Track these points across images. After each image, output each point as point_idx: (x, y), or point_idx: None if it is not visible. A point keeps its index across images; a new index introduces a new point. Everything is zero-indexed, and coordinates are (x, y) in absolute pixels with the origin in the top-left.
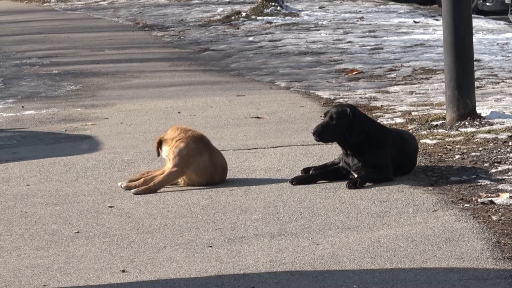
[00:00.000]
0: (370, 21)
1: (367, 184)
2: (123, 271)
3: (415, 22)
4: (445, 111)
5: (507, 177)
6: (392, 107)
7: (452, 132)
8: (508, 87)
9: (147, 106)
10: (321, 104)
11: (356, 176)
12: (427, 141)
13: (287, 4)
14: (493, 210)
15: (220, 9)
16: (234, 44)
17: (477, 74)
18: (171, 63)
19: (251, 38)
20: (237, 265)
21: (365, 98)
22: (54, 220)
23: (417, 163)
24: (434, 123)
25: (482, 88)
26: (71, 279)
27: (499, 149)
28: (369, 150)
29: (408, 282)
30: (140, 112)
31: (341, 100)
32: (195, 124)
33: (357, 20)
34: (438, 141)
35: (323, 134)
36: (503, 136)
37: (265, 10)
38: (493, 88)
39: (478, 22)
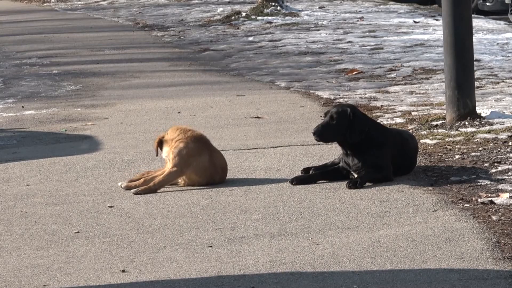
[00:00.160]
0: (370, 21)
1: (367, 184)
2: (123, 271)
3: (415, 22)
4: (445, 111)
5: (507, 177)
6: (392, 107)
7: (452, 132)
8: (508, 87)
9: (147, 106)
10: (321, 104)
11: (356, 176)
12: (427, 141)
13: (287, 4)
14: (493, 210)
15: (220, 9)
16: (234, 44)
17: (477, 74)
18: (171, 63)
19: (251, 38)
20: (237, 265)
21: (365, 98)
22: (54, 220)
23: (417, 163)
24: (434, 123)
25: (482, 88)
26: (71, 279)
27: (499, 149)
28: (369, 150)
29: (408, 282)
30: (140, 112)
31: (341, 100)
32: (195, 124)
33: (357, 20)
34: (438, 141)
35: (323, 134)
36: (503, 136)
37: (265, 10)
38: (493, 88)
39: (478, 22)
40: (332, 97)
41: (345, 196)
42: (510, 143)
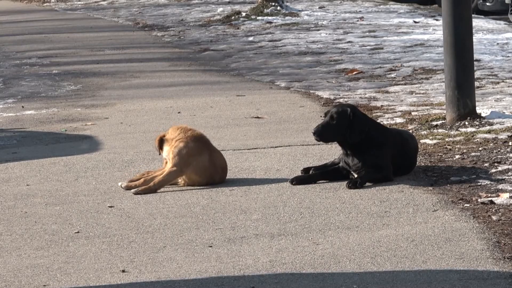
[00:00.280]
0: (370, 21)
1: (367, 184)
2: (123, 271)
3: (415, 22)
4: (445, 111)
5: (507, 177)
6: (392, 107)
7: (452, 132)
8: (508, 87)
9: (147, 106)
10: (321, 104)
11: (356, 176)
12: (427, 141)
13: (287, 4)
14: (493, 210)
15: (220, 9)
16: (234, 44)
17: (477, 74)
18: (171, 63)
19: (251, 38)
20: (237, 265)
21: (365, 98)
22: (54, 220)
23: (417, 163)
24: (434, 123)
25: (482, 88)
26: (71, 279)
27: (499, 149)
28: (369, 150)
29: (408, 282)
30: (140, 112)
31: (341, 100)
32: (195, 124)
33: (357, 20)
34: (438, 141)
35: (323, 134)
36: (503, 136)
37: (265, 10)
38: (493, 88)
39: (478, 22)
40: (332, 97)
41: (345, 196)
42: (510, 143)
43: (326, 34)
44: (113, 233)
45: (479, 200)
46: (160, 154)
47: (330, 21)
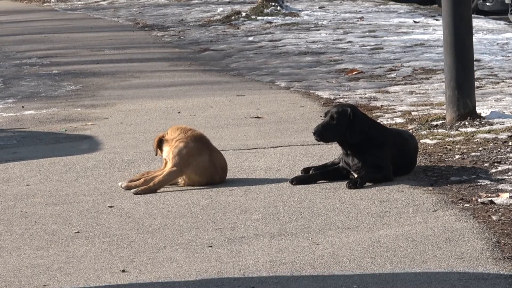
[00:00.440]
0: (370, 21)
1: (367, 184)
2: (123, 271)
3: (415, 22)
4: (445, 111)
5: (507, 177)
6: (392, 107)
7: (452, 132)
8: (508, 87)
9: (147, 106)
10: (321, 104)
11: (356, 176)
12: (427, 141)
13: (287, 4)
14: (493, 210)
15: (220, 9)
16: (234, 44)
17: (477, 74)
18: (171, 63)
19: (251, 38)
20: (237, 265)
21: (365, 98)
22: (54, 220)
23: (417, 163)
24: (434, 123)
25: (482, 88)
26: (71, 279)
27: (499, 149)
28: (369, 150)
29: (408, 282)
30: (140, 112)
31: (341, 100)
32: (195, 124)
33: (357, 20)
34: (438, 141)
35: (323, 134)
36: (503, 136)
37: (265, 10)
38: (493, 88)
39: (478, 22)
40: (332, 97)
41: (345, 196)
42: (510, 143)
43: (326, 34)
44: (113, 233)
45: (479, 200)
46: (157, 155)
47: (330, 21)
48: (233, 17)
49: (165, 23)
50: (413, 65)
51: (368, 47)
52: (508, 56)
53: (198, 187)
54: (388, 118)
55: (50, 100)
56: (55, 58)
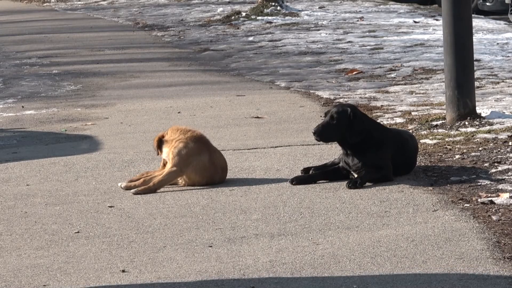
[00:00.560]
0: (370, 21)
1: (367, 184)
2: (123, 271)
3: (415, 22)
4: (445, 111)
5: (507, 177)
6: (392, 107)
7: (452, 132)
8: (508, 87)
9: (147, 106)
10: (321, 104)
11: (356, 176)
12: (427, 141)
13: (287, 4)
14: (493, 210)
15: (220, 9)
16: (234, 44)
17: (477, 74)
18: (171, 63)
19: (251, 38)
20: (237, 265)
21: (365, 98)
22: (54, 220)
23: (417, 163)
24: (434, 123)
25: (482, 88)
26: (71, 279)
27: (499, 149)
28: (369, 150)
29: (408, 282)
30: (140, 112)
31: (341, 100)
32: (195, 124)
33: (357, 20)
34: (438, 141)
35: (323, 133)
36: (503, 136)
37: (265, 10)
38: (493, 88)
39: (478, 22)
40: (332, 97)
41: (345, 196)
42: (510, 143)
43: (326, 34)
44: (113, 233)
45: (479, 200)
46: (158, 154)
47: (330, 21)
48: (233, 17)
49: (165, 23)
50: (413, 65)
51: (368, 47)
52: (508, 56)
53: (198, 187)
54: (388, 118)
55: (50, 100)
56: (55, 58)
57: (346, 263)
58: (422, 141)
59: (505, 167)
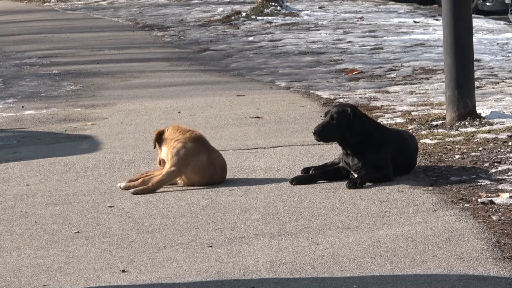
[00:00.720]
0: (370, 21)
1: (367, 184)
2: (123, 271)
3: (415, 22)
4: (445, 111)
5: (507, 177)
6: (392, 107)
7: (452, 132)
8: (508, 87)
9: (147, 106)
10: (321, 104)
11: (356, 176)
12: (427, 141)
13: (287, 4)
14: (493, 210)
15: (220, 9)
16: (234, 44)
17: (477, 74)
18: (171, 63)
19: (251, 38)
20: (237, 265)
21: (365, 98)
22: (54, 220)
23: (417, 163)
24: (434, 123)
25: (482, 88)
26: (71, 279)
27: (499, 149)
28: (369, 150)
29: (408, 282)
30: (140, 112)
31: (341, 100)
32: (195, 124)
33: (357, 20)
34: (438, 141)
35: (323, 133)
36: (503, 136)
37: (265, 10)
38: (493, 88)
39: (478, 22)
40: (332, 97)
41: (345, 196)
42: (510, 143)
43: (326, 34)
44: (113, 233)
45: (479, 200)
46: (155, 147)
47: (330, 21)
48: (233, 17)
49: (165, 23)
50: (413, 65)
51: (368, 47)
52: (508, 56)
53: (198, 187)
54: (388, 118)
55: (50, 100)
56: (55, 58)
57: (346, 263)
58: (422, 141)
59: (505, 167)
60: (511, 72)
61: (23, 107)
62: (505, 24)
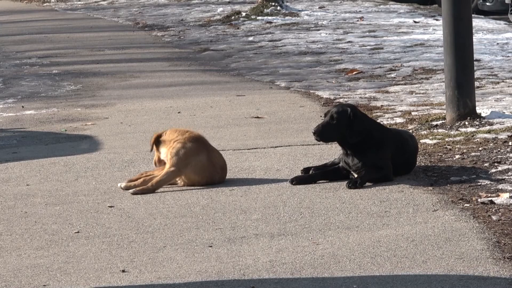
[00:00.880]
0: (370, 21)
1: (367, 184)
2: (123, 271)
3: (415, 22)
4: (445, 111)
5: (507, 177)
6: (392, 107)
7: (452, 132)
8: (508, 87)
9: (147, 106)
10: (321, 104)
11: (356, 176)
12: (427, 141)
13: (287, 4)
14: (493, 210)
15: (220, 9)
16: (234, 44)
17: (477, 74)
18: (171, 63)
19: (251, 38)
20: (237, 265)
21: (365, 98)
22: (54, 220)
23: (417, 163)
24: (434, 123)
25: (482, 88)
26: (71, 279)
27: (499, 149)
28: (369, 150)
29: (408, 282)
30: (140, 112)
31: (341, 100)
32: (195, 124)
33: (357, 20)
34: (438, 141)
35: (323, 133)
36: (503, 136)
37: (265, 10)
38: (493, 88)
39: (478, 22)
40: (332, 97)
41: (345, 196)
42: (510, 143)
43: (326, 34)
44: (113, 233)
45: (479, 200)
46: (151, 151)
47: (330, 21)
48: (233, 17)
49: (165, 23)
50: (413, 65)
51: (368, 47)
52: (508, 56)
53: (198, 187)
54: (388, 118)
55: (50, 100)
56: (55, 58)
57: (346, 263)
58: (422, 141)
59: (505, 167)
60: (511, 72)
61: (23, 107)
62: (505, 24)
